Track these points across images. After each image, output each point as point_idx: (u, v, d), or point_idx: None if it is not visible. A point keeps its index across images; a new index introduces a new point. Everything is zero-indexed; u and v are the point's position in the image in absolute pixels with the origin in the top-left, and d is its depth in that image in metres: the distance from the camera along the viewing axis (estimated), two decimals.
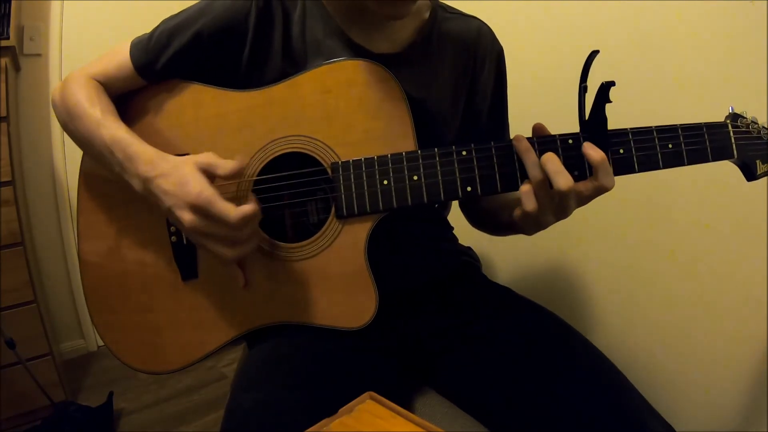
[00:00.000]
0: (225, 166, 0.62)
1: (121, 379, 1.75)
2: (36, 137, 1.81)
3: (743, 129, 0.64)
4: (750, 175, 0.65)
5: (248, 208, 0.59)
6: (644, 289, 1.10)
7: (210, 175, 0.62)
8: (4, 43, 1.48)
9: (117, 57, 0.72)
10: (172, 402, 1.66)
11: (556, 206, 0.62)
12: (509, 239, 0.89)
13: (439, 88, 0.78)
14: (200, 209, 0.59)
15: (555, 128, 0.65)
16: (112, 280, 0.73)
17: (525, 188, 0.61)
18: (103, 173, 0.72)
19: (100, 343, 2.00)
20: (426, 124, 0.68)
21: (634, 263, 1.12)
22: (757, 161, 0.64)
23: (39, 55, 1.79)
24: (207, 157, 0.63)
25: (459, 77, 0.80)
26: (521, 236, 0.75)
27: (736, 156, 0.64)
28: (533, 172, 0.60)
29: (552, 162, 0.59)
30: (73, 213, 1.88)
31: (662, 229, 1.05)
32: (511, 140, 0.63)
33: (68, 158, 1.88)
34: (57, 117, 0.75)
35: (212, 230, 0.60)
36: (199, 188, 0.59)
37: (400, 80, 0.67)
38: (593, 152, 0.59)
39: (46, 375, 1.46)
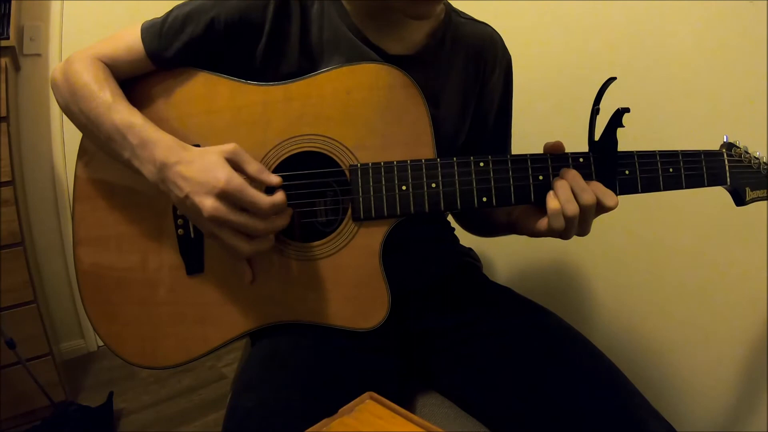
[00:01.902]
0: (254, 163, 0.62)
1: (121, 379, 1.76)
2: (36, 137, 1.81)
3: (736, 158, 0.68)
4: (739, 200, 0.70)
5: (278, 197, 0.60)
6: (644, 289, 1.10)
7: (236, 168, 0.61)
8: (4, 43, 1.47)
9: (126, 39, 0.70)
10: (172, 402, 1.66)
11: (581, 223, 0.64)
12: (510, 240, 0.90)
13: (450, 91, 0.78)
14: (229, 195, 0.58)
15: (556, 133, 0.66)
16: (109, 271, 0.72)
17: (553, 205, 0.62)
18: (102, 160, 0.71)
19: (100, 343, 2.00)
20: (436, 127, 0.68)
21: (634, 263, 1.12)
22: (747, 188, 0.69)
23: (39, 55, 1.79)
24: (235, 149, 0.61)
25: (469, 81, 0.80)
26: (521, 237, 0.75)
27: (729, 183, 0.68)
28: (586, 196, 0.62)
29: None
30: None
31: (662, 229, 1.05)
32: (526, 155, 0.64)
33: (68, 158, 1.87)
34: (57, 98, 0.72)
35: (234, 218, 0.59)
36: (228, 175, 0.59)
37: None
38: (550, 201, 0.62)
39: (46, 375, 1.46)
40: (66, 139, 1.85)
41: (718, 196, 0.72)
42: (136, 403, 1.65)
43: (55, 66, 1.79)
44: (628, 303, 1.14)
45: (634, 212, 1.07)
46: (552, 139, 0.66)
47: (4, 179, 1.38)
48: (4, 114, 1.39)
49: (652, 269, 1.08)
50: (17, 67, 1.71)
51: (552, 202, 0.62)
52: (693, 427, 1.01)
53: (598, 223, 0.65)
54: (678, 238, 1.03)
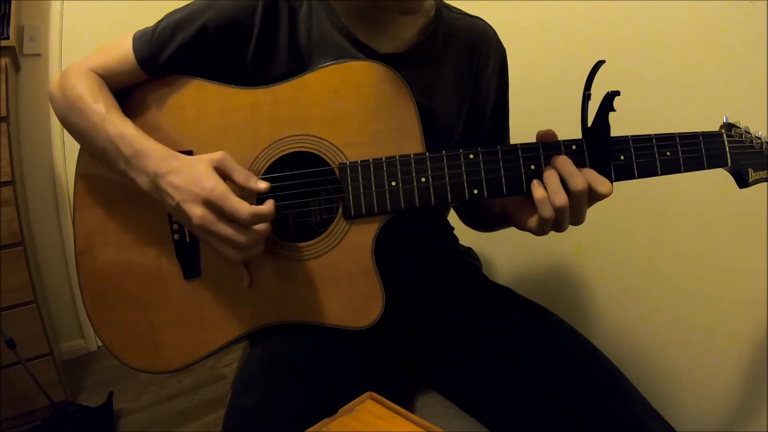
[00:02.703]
0: (241, 171, 0.62)
1: (121, 379, 1.76)
2: (36, 137, 1.81)
3: (737, 138, 0.67)
4: (742, 182, 0.68)
5: (263, 207, 0.60)
6: (644, 289, 1.10)
7: (224, 176, 0.62)
8: (4, 43, 1.47)
9: (118, 50, 0.71)
10: (172, 402, 1.66)
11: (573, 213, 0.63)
12: (510, 240, 0.90)
13: (444, 88, 0.78)
14: (213, 204, 0.59)
15: (555, 127, 0.65)
16: (109, 278, 0.72)
17: (539, 194, 0.62)
18: (101, 169, 0.72)
19: (100, 343, 1.99)
20: (430, 124, 0.68)
21: (633, 263, 1.12)
22: (749, 169, 0.67)
23: (39, 55, 1.79)
24: (223, 158, 0.62)
25: (463, 77, 0.80)
26: (521, 237, 0.75)
27: (729, 164, 0.66)
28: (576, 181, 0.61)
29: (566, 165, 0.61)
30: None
31: (662, 228, 1.05)
32: (516, 145, 0.64)
33: (68, 158, 1.87)
34: (55, 110, 0.73)
35: (220, 228, 0.59)
36: (213, 183, 0.59)
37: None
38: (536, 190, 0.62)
39: (46, 375, 1.46)
40: (66, 139, 1.85)
41: (718, 195, 0.72)
42: (136, 403, 1.65)
43: (57, 63, 1.80)
44: (628, 303, 1.14)
45: (634, 212, 1.07)
46: (547, 127, 0.65)
47: (4, 179, 1.38)
48: (4, 114, 1.39)
49: (652, 269, 1.08)
50: (17, 67, 1.71)
51: (538, 191, 0.62)
52: (693, 427, 1.01)
53: (598, 222, 0.65)
54: (678, 239, 1.03)
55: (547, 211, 0.62)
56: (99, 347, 2.01)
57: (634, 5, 1.02)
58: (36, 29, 1.77)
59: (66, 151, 1.87)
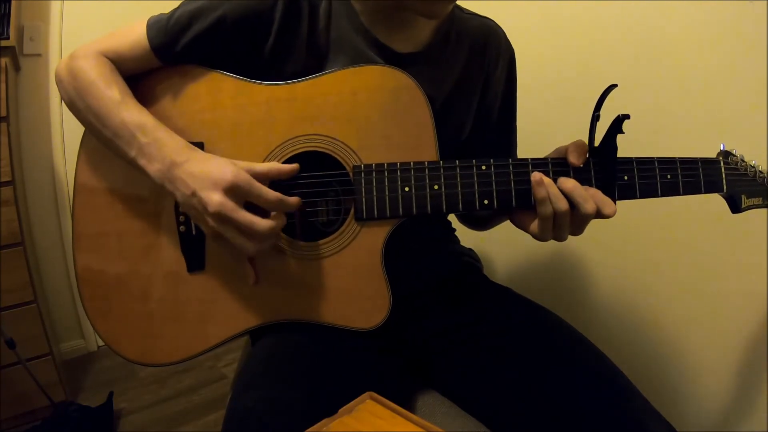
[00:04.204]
0: (263, 165, 0.65)
1: (121, 379, 1.76)
2: (36, 137, 1.81)
3: (732, 166, 0.70)
4: (735, 207, 0.71)
5: (289, 198, 0.62)
6: (644, 289, 1.10)
7: (245, 195, 0.62)
8: (4, 43, 1.48)
9: (131, 35, 0.70)
10: (172, 402, 1.66)
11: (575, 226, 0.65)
12: (509, 240, 0.89)
13: (455, 86, 0.78)
14: (237, 189, 0.60)
15: (558, 130, 0.65)
16: (108, 267, 0.71)
17: (540, 193, 0.63)
18: (105, 154, 0.71)
19: (100, 343, 2.00)
20: (440, 121, 0.68)
21: (634, 263, 1.12)
22: (742, 196, 0.70)
23: (39, 55, 1.79)
24: (246, 179, 0.62)
25: (473, 76, 0.80)
26: (521, 237, 0.75)
27: (725, 190, 0.69)
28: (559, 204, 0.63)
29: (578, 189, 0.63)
30: None
31: (663, 228, 1.05)
32: (527, 159, 0.65)
33: (68, 158, 1.87)
34: (62, 94, 0.71)
35: (240, 215, 0.59)
36: (236, 171, 0.60)
37: (419, 79, 0.67)
38: (566, 183, 0.63)
39: (46, 375, 1.46)
40: (66, 139, 1.85)
41: (718, 197, 0.73)
42: (136, 403, 1.65)
43: (57, 63, 1.80)
44: (628, 303, 1.14)
45: (635, 212, 1.07)
46: (555, 139, 0.66)
47: (4, 179, 1.38)
48: (4, 114, 1.39)
49: (653, 269, 1.08)
50: (17, 67, 1.71)
51: (539, 189, 0.63)
52: (693, 427, 1.01)
53: (599, 222, 0.65)
54: (678, 239, 1.03)
55: (547, 210, 0.63)
56: (99, 347, 2.01)
57: (636, 6, 1.02)
58: (36, 29, 1.77)
59: (66, 151, 1.87)
